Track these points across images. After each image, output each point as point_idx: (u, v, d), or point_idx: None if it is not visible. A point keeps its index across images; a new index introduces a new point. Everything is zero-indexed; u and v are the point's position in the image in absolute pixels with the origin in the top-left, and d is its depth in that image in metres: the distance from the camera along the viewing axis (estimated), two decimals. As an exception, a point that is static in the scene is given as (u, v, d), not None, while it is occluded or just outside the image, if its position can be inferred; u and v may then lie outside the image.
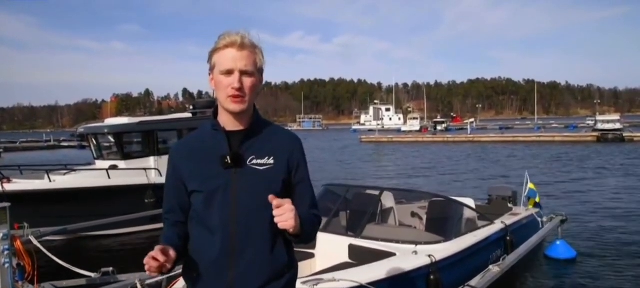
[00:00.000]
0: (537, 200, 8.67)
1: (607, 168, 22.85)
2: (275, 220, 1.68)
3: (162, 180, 11.09)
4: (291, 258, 1.91)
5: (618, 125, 45.13)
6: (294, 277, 1.93)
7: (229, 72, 1.77)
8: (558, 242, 8.38)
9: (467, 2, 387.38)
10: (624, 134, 42.96)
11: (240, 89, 1.77)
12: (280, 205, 1.68)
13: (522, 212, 8.12)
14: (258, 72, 1.84)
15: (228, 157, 1.78)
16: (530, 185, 8.58)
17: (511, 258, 6.22)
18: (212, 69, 1.84)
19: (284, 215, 1.68)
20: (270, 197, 1.68)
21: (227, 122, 1.85)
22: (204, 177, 1.81)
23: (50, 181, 10.32)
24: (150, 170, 11.46)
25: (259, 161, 1.82)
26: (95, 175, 11.21)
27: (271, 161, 1.83)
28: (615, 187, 16.73)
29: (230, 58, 1.77)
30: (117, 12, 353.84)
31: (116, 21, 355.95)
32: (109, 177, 10.86)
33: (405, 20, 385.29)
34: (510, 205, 8.55)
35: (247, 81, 1.79)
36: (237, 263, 1.77)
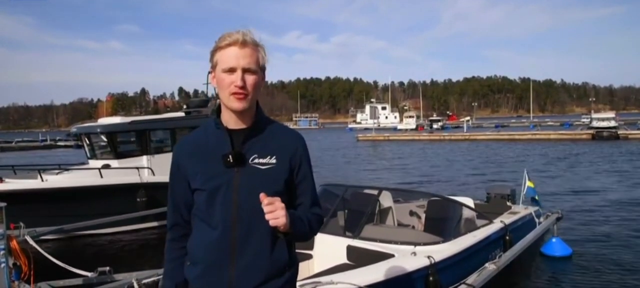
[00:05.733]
0: (536, 198, 8.66)
1: (601, 166, 22.89)
2: (266, 216, 1.68)
3: (154, 179, 11.19)
4: (292, 257, 1.92)
5: (613, 123, 45.13)
6: (295, 275, 1.95)
7: (232, 70, 1.78)
8: (554, 240, 8.38)
9: (463, 2, 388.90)
10: (619, 132, 43.03)
11: (243, 86, 1.77)
12: (271, 203, 1.68)
13: (521, 210, 8.11)
14: (260, 69, 1.85)
15: (230, 156, 1.79)
16: (529, 183, 8.56)
17: (507, 256, 6.20)
18: (213, 68, 1.85)
19: (276, 212, 1.68)
20: (261, 195, 1.68)
21: (230, 121, 1.86)
22: (207, 176, 1.82)
23: (42, 180, 10.29)
24: (143, 169, 11.46)
25: (261, 160, 1.83)
26: (87, 175, 11.17)
27: (273, 160, 1.84)
28: (610, 185, 16.76)
29: (233, 56, 1.77)
30: (116, 12, 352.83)
31: (115, 21, 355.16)
32: (102, 177, 10.84)
33: (403, 19, 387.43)
34: (509, 204, 8.52)
35: (250, 79, 1.80)
36: (238, 261, 1.79)
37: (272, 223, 1.69)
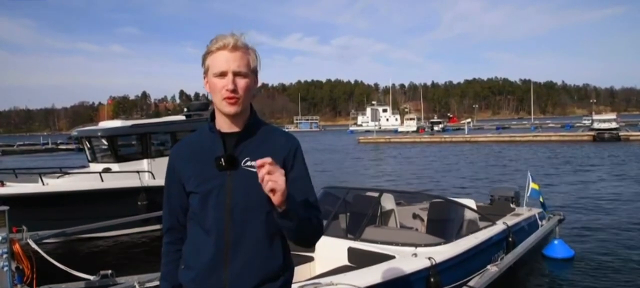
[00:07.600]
0: (542, 200, 8.65)
1: (603, 167, 22.87)
2: (265, 179, 1.57)
3: (155, 182, 11.17)
4: (286, 260, 1.91)
5: (614, 125, 44.95)
6: (289, 280, 1.93)
7: (223, 74, 1.79)
8: (556, 242, 8.36)
9: (464, 4, 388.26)
10: (620, 133, 42.97)
11: (234, 90, 1.77)
12: (270, 165, 1.58)
13: (524, 212, 8.08)
14: (252, 73, 1.85)
15: (222, 159, 1.78)
16: (533, 185, 8.54)
17: (509, 258, 6.19)
18: (206, 73, 1.86)
19: (274, 174, 1.58)
20: (258, 161, 1.59)
21: (223, 124, 1.86)
22: (200, 179, 1.82)
23: (43, 184, 10.30)
24: (144, 173, 11.46)
25: (253, 163, 1.77)
26: (88, 178, 11.18)
27: None
28: (612, 186, 16.74)
29: (223, 60, 1.78)
30: (117, 14, 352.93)
31: (116, 24, 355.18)
32: (102, 180, 10.84)
33: (403, 21, 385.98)
34: (512, 206, 8.51)
35: (241, 82, 1.80)
36: (232, 264, 1.78)
37: (269, 185, 1.57)
